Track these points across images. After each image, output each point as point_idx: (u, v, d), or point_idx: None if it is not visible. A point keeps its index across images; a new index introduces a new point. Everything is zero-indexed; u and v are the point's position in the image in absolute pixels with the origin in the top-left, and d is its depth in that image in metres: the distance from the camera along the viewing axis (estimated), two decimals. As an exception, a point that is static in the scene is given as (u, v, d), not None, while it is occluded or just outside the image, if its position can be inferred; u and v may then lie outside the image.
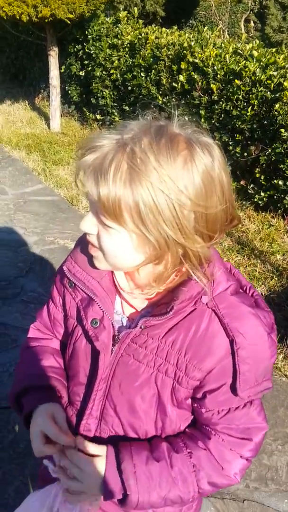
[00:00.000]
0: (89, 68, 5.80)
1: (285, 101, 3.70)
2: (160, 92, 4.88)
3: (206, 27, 4.99)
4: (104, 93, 5.71)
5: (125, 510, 0.93)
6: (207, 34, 4.72)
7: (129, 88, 5.27)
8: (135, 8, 6.02)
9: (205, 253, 0.79)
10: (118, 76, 5.46)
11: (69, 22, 5.07)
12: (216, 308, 0.83)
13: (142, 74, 5.05)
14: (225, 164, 0.78)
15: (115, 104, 5.69)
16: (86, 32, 5.70)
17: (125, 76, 5.33)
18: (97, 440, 0.94)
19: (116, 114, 5.68)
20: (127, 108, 5.43)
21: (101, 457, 0.88)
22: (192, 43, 4.54)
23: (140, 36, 5.20)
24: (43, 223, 3.97)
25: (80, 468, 0.88)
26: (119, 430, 0.94)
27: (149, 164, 0.71)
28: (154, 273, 0.82)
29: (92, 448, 0.90)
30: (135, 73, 5.15)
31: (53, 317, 1.06)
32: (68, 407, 1.01)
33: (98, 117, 5.98)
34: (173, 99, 4.66)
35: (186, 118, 0.81)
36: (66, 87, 6.23)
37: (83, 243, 0.91)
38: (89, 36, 5.68)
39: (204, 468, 0.88)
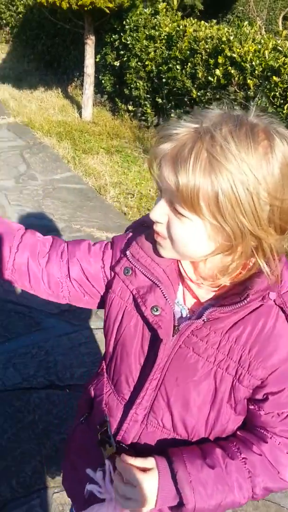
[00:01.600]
0: (124, 59, 5.78)
1: None
2: (195, 86, 4.84)
3: (246, 22, 4.92)
4: (137, 84, 5.69)
5: None
6: (246, 29, 4.65)
7: (164, 80, 5.24)
8: (174, 0, 5.97)
9: (278, 246, 0.77)
10: (153, 67, 5.44)
11: (108, 11, 5.06)
12: (284, 305, 0.82)
13: (177, 67, 5.02)
14: None
15: (148, 95, 5.67)
16: (124, 22, 5.68)
17: (160, 68, 5.30)
18: (144, 432, 0.93)
19: (148, 106, 5.66)
20: (160, 100, 5.40)
21: (152, 469, 0.85)
22: (231, 38, 4.48)
23: (178, 29, 5.16)
24: (71, 211, 3.99)
25: (133, 485, 0.85)
26: (167, 423, 0.91)
27: (229, 153, 0.70)
28: (221, 264, 0.81)
29: (140, 462, 0.87)
30: (170, 65, 5.11)
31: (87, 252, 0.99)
32: (112, 394, 0.99)
33: (130, 108, 5.97)
34: (208, 93, 4.62)
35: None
36: (100, 77, 6.24)
37: (150, 227, 0.88)
38: (127, 27, 5.66)
39: (259, 474, 0.86)
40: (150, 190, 4.41)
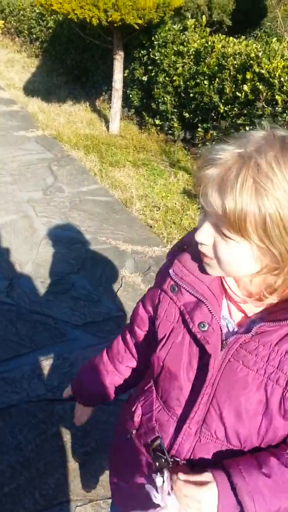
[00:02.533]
0: (152, 74, 5.85)
1: None
2: (222, 101, 4.86)
3: (275, 38, 4.92)
4: (165, 98, 5.74)
5: None
6: (275, 45, 4.66)
7: (191, 95, 5.28)
8: (203, 16, 6.03)
9: None
10: (181, 82, 5.48)
11: (137, 27, 5.14)
12: None
13: (205, 82, 5.05)
14: None
15: (175, 110, 5.71)
16: (153, 38, 5.76)
17: (188, 83, 5.34)
18: (198, 445, 0.95)
19: (175, 120, 5.70)
20: (187, 115, 5.44)
21: (210, 483, 0.87)
22: (260, 54, 4.49)
23: (206, 44, 5.20)
24: (97, 223, 4.03)
25: (195, 499, 0.86)
26: (220, 435, 0.93)
27: (275, 178, 0.71)
28: (267, 282, 0.83)
29: (197, 477, 0.89)
30: (198, 80, 5.15)
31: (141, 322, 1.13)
32: (162, 410, 1.01)
33: (157, 122, 6.02)
34: (235, 109, 4.63)
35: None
36: (128, 91, 6.32)
37: (192, 246, 0.91)
38: (155, 42, 5.74)
39: None
40: (175, 204, 4.42)
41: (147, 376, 1.10)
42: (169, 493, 0.89)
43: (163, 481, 0.90)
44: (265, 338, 0.85)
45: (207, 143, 5.19)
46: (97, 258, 3.54)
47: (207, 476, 0.88)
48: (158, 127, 6.06)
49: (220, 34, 5.55)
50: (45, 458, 2.04)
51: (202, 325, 0.89)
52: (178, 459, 0.98)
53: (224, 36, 5.43)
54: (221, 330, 0.90)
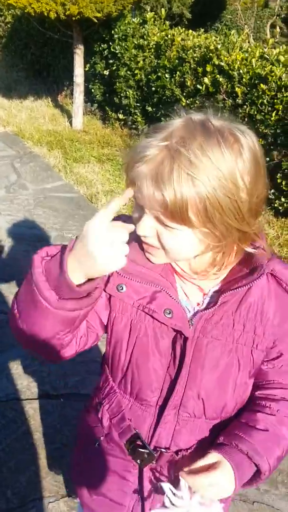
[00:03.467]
0: (114, 68, 5.83)
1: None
2: (184, 94, 4.88)
3: (233, 31, 4.98)
4: (127, 93, 5.73)
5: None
6: (234, 37, 4.71)
7: (153, 88, 5.28)
8: (162, 9, 6.03)
9: (258, 230, 0.86)
10: (143, 76, 5.48)
11: (96, 21, 5.10)
12: (274, 271, 0.91)
13: (166, 76, 5.06)
14: (260, 146, 0.83)
15: (138, 104, 5.71)
16: (112, 32, 5.72)
17: (149, 76, 5.35)
18: (177, 430, 0.97)
19: (138, 114, 5.70)
20: (150, 108, 5.44)
21: (219, 462, 0.89)
22: (219, 46, 4.54)
23: (166, 38, 5.21)
24: (62, 220, 4.00)
25: (214, 484, 0.87)
26: (198, 413, 0.96)
27: (203, 165, 0.73)
28: (211, 259, 0.87)
29: (202, 462, 0.90)
30: (159, 74, 5.16)
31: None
32: (134, 406, 1.00)
33: (121, 116, 6.01)
34: (197, 101, 4.66)
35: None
36: (90, 86, 6.27)
37: (135, 240, 0.88)
38: (115, 36, 5.71)
39: None
40: (141, 198, 4.43)
41: (103, 380, 1.07)
42: (181, 497, 0.87)
43: (173, 489, 0.88)
44: (225, 307, 0.90)
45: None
46: (63, 254, 3.52)
47: (212, 457, 0.91)
48: (122, 122, 6.05)
49: (180, 27, 5.58)
50: (16, 457, 2.03)
51: (168, 312, 0.89)
52: (161, 449, 0.99)
53: (183, 29, 5.46)
54: (185, 311, 0.92)
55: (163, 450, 0.98)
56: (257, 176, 0.79)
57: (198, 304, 0.94)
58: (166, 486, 0.89)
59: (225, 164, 0.75)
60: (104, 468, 1.08)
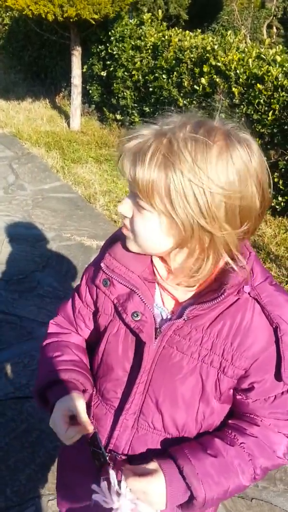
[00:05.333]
0: (111, 69, 5.85)
1: None
2: (181, 95, 4.91)
3: (229, 31, 5.00)
4: (125, 93, 5.75)
5: None
6: (230, 38, 4.73)
7: (150, 89, 5.31)
8: (159, 10, 6.05)
9: (233, 241, 0.80)
10: (140, 77, 5.50)
11: (93, 22, 5.12)
12: (259, 297, 0.86)
13: (164, 76, 5.08)
14: (264, 161, 0.81)
15: (135, 105, 5.73)
16: (110, 33, 5.75)
17: (146, 77, 5.37)
18: (136, 436, 0.95)
19: (136, 115, 5.72)
20: (147, 109, 5.46)
21: (156, 471, 0.86)
22: (215, 47, 4.56)
23: (163, 39, 5.24)
24: (60, 220, 4.01)
25: (143, 490, 0.85)
26: (158, 424, 0.94)
27: (182, 153, 0.74)
28: (189, 264, 0.84)
29: (142, 468, 0.88)
30: (157, 74, 5.18)
31: (77, 312, 1.06)
32: (100, 404, 1.01)
33: (118, 117, 6.02)
34: (194, 102, 4.68)
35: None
36: (87, 87, 6.29)
37: (121, 239, 0.92)
38: (112, 37, 5.73)
39: (258, 455, 0.90)
40: (139, 198, 4.45)
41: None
42: (118, 493, 0.86)
43: (110, 483, 0.86)
44: (197, 322, 0.86)
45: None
46: (62, 255, 3.53)
47: (152, 465, 0.88)
48: (119, 122, 6.07)
49: (177, 28, 5.60)
50: (15, 455, 2.04)
51: (136, 315, 0.89)
52: (116, 454, 0.97)
53: (180, 30, 5.48)
54: (155, 318, 0.90)
55: (118, 454, 0.97)
56: (241, 185, 0.77)
57: (173, 313, 0.92)
58: (103, 484, 0.88)
59: (201, 157, 0.74)
60: (75, 462, 1.09)
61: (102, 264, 0.93)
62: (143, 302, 0.90)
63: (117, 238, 0.95)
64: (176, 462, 0.86)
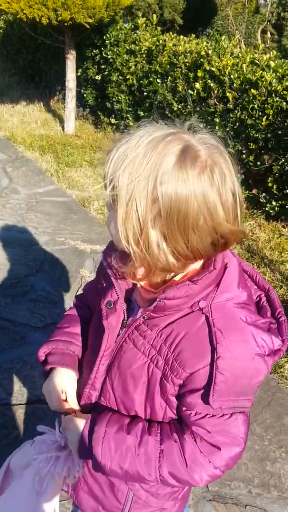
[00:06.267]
0: (106, 73, 5.85)
1: None
2: (176, 99, 4.91)
3: (224, 36, 5.02)
4: (119, 97, 5.76)
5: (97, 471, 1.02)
6: (224, 43, 4.75)
7: (145, 93, 5.31)
8: (153, 15, 6.07)
9: (168, 265, 0.81)
10: (134, 81, 5.51)
11: (88, 26, 5.12)
12: (210, 315, 0.86)
13: (158, 81, 5.09)
14: (227, 185, 0.78)
15: (130, 109, 5.73)
16: (104, 37, 5.75)
17: (141, 81, 5.37)
18: (96, 409, 1.04)
19: (130, 118, 5.72)
20: (142, 113, 5.46)
21: (83, 420, 1.00)
22: (210, 52, 4.57)
23: (157, 43, 5.25)
24: (54, 224, 4.00)
25: (66, 426, 1.02)
26: (114, 405, 1.02)
27: (140, 160, 0.77)
28: (142, 263, 0.85)
29: (83, 415, 1.03)
30: (151, 79, 5.19)
31: (90, 289, 1.21)
32: (81, 377, 1.11)
33: (113, 121, 6.03)
34: (188, 106, 4.69)
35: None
36: (82, 91, 6.29)
37: None
38: (107, 41, 5.74)
39: (169, 458, 0.92)
40: (133, 202, 4.44)
41: None
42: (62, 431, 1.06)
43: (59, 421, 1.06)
44: (153, 322, 0.91)
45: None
46: (55, 259, 3.51)
47: (88, 415, 1.00)
48: (114, 126, 6.07)
49: (171, 33, 5.61)
50: (7, 463, 2.01)
51: (109, 304, 0.98)
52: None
53: (175, 34, 5.49)
54: (124, 311, 0.97)
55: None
56: (186, 214, 0.76)
57: (141, 309, 0.96)
58: (57, 420, 1.08)
59: (148, 165, 0.76)
60: None
61: (103, 251, 1.03)
62: (117, 294, 0.97)
63: None
64: (94, 420, 0.98)
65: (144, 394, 0.96)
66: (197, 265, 0.88)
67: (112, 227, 0.84)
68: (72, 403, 1.07)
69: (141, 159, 0.76)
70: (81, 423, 0.99)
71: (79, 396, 1.09)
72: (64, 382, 1.08)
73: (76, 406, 1.07)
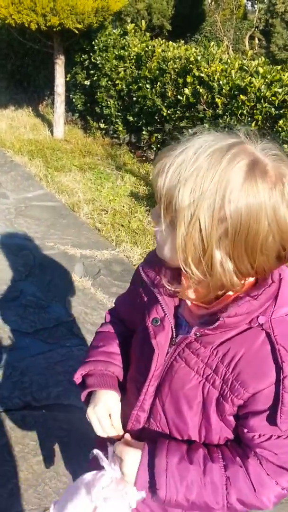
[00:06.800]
0: (95, 78, 5.86)
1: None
2: (165, 104, 4.94)
3: (212, 43, 5.07)
4: (108, 102, 5.77)
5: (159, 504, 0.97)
6: (213, 49, 4.79)
7: (134, 99, 5.33)
8: (142, 21, 6.10)
9: (245, 268, 0.76)
10: (124, 86, 5.52)
11: (77, 32, 5.13)
12: (271, 331, 0.82)
13: (147, 86, 5.11)
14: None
15: (119, 114, 5.74)
16: (93, 43, 5.77)
17: (130, 87, 5.39)
18: (145, 432, 0.99)
19: (119, 123, 5.74)
20: (131, 118, 5.48)
21: (139, 448, 0.92)
22: (199, 58, 4.61)
23: (146, 49, 5.28)
24: (44, 228, 3.98)
25: (121, 458, 0.92)
26: (165, 428, 0.96)
27: (199, 172, 0.72)
28: (200, 282, 0.82)
29: (134, 442, 0.96)
30: (140, 84, 5.21)
31: (124, 305, 1.15)
32: (125, 400, 1.05)
33: (102, 126, 6.03)
34: (177, 112, 4.71)
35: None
36: (71, 95, 6.29)
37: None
38: (96, 47, 5.75)
39: (236, 484, 0.87)
40: (123, 206, 4.45)
41: None
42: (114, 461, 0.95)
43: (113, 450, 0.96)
44: (207, 340, 0.86)
45: (152, 145, 5.25)
46: (45, 264, 3.50)
47: (141, 444, 0.93)
48: (103, 131, 6.07)
49: (160, 39, 5.65)
50: (-3, 470, 1.99)
51: (155, 321, 0.92)
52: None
53: (164, 40, 5.53)
54: (172, 328, 0.91)
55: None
56: (251, 220, 0.72)
57: (190, 325, 0.92)
58: (111, 448, 0.98)
59: (213, 182, 0.71)
60: None
61: (140, 266, 0.98)
62: (163, 310, 0.92)
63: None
64: (153, 450, 0.90)
65: (199, 415, 0.90)
66: (251, 278, 0.83)
67: (167, 246, 0.80)
68: (119, 427, 1.01)
69: (204, 174, 0.71)
70: (137, 454, 0.91)
71: (123, 418, 1.03)
72: (109, 406, 1.01)
73: (122, 431, 1.01)
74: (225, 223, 0.72)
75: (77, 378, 1.07)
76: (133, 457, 0.91)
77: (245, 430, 0.88)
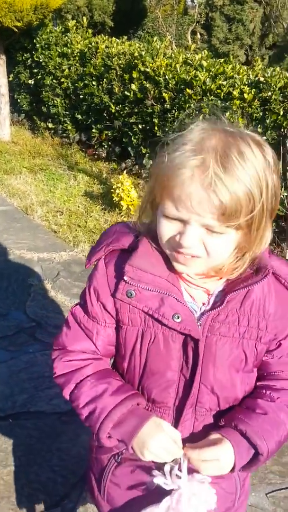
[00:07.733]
0: (39, 77, 5.75)
1: (234, 109, 3.81)
2: (113, 101, 4.91)
3: (155, 38, 5.08)
4: (55, 101, 5.67)
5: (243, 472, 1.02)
6: (157, 44, 4.81)
7: (81, 96, 5.27)
8: (84, 17, 6.04)
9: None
10: (69, 84, 5.45)
11: (16, 30, 5.01)
12: (272, 269, 0.94)
13: (93, 83, 5.07)
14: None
15: (67, 112, 5.66)
16: (35, 41, 5.66)
17: (76, 84, 5.33)
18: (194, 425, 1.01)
19: (68, 122, 5.66)
20: (79, 116, 5.42)
21: (221, 439, 0.94)
22: (143, 53, 4.61)
23: (90, 45, 5.23)
24: (-3, 234, 3.88)
25: (216, 458, 0.93)
26: (214, 406, 1.00)
27: (248, 166, 0.79)
28: (234, 261, 0.91)
29: (203, 443, 0.95)
30: (86, 81, 5.15)
31: (96, 335, 1.01)
32: (152, 411, 1.00)
33: (50, 125, 5.93)
34: (126, 108, 4.70)
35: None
36: (15, 96, 6.15)
37: (143, 246, 0.93)
38: (38, 45, 5.64)
39: None
40: (78, 206, 4.39)
41: None
42: (178, 476, 0.92)
43: (170, 469, 0.93)
44: (230, 306, 0.93)
45: (103, 143, 5.22)
46: (1, 270, 3.40)
47: (214, 436, 0.95)
48: (52, 131, 5.98)
49: (103, 35, 5.61)
50: None
51: (177, 317, 0.91)
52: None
53: (106, 37, 5.49)
54: (193, 314, 0.94)
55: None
56: (277, 175, 0.85)
57: (204, 304, 0.96)
58: (167, 467, 0.94)
59: (259, 165, 0.80)
60: (130, 483, 1.07)
61: (126, 277, 0.93)
62: (180, 302, 0.92)
63: (123, 246, 0.95)
64: (237, 428, 0.95)
65: (244, 372, 0.98)
66: None
67: (227, 250, 0.86)
68: (180, 442, 0.95)
69: (257, 166, 0.81)
70: (223, 445, 0.92)
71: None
72: (167, 431, 0.94)
73: (181, 452, 0.94)
74: (277, 198, 0.86)
75: (114, 440, 0.96)
76: (226, 449, 0.93)
77: (276, 358, 1.00)
